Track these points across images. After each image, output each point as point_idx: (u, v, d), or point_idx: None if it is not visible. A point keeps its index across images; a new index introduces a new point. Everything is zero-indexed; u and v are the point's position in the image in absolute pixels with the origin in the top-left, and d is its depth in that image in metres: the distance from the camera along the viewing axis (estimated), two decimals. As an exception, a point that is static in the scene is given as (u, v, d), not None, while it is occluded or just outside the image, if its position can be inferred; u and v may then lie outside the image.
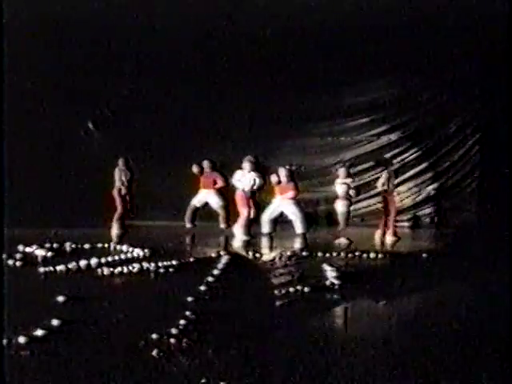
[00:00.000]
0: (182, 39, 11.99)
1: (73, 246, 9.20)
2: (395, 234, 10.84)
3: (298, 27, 11.65)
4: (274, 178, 10.63)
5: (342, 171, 11.10)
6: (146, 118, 12.82)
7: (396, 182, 11.27)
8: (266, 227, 10.70)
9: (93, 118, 13.08)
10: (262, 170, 10.99)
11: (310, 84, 12.54)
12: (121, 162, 11.44)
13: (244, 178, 10.84)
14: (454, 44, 11.91)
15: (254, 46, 12.00)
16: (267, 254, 9.14)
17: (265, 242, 10.41)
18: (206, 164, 11.62)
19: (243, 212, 10.80)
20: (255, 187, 10.83)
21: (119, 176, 11.41)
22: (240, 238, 10.59)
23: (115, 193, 11.40)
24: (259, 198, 11.21)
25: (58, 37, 11.87)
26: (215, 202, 11.54)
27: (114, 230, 11.23)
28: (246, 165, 10.83)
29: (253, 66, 12.18)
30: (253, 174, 10.81)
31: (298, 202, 10.66)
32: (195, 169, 11.61)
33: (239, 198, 10.90)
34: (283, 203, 10.57)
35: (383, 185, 10.90)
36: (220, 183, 11.47)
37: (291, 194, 10.51)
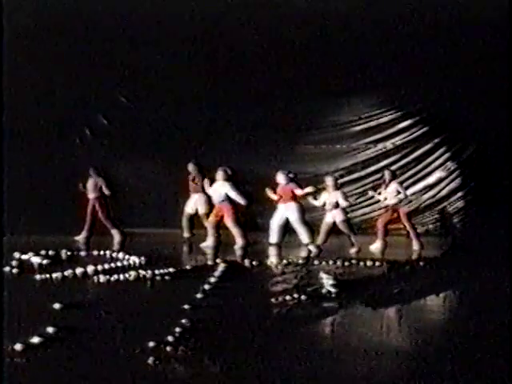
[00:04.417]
0: (177, 44, 12.01)
1: (69, 253, 9.19)
2: (421, 244, 10.69)
3: (296, 35, 11.68)
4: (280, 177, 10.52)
5: (330, 180, 10.55)
6: (142, 124, 12.85)
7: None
8: (274, 236, 10.59)
9: (89, 124, 13.09)
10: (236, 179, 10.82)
11: (305, 91, 12.57)
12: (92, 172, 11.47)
13: (219, 188, 10.68)
14: (449, 54, 11.95)
15: (250, 53, 12.02)
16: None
17: (273, 251, 10.25)
18: (191, 167, 11.40)
19: (228, 221, 10.67)
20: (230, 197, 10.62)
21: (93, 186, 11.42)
22: (239, 246, 10.50)
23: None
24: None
25: (56, 42, 11.89)
26: (206, 207, 11.35)
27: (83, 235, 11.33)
28: (220, 174, 10.67)
29: (248, 72, 12.20)
30: (226, 184, 10.62)
31: (302, 209, 10.56)
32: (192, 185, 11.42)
33: (219, 207, 10.73)
34: (288, 208, 10.46)
35: (394, 197, 10.70)
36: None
37: (297, 192, 10.37)
